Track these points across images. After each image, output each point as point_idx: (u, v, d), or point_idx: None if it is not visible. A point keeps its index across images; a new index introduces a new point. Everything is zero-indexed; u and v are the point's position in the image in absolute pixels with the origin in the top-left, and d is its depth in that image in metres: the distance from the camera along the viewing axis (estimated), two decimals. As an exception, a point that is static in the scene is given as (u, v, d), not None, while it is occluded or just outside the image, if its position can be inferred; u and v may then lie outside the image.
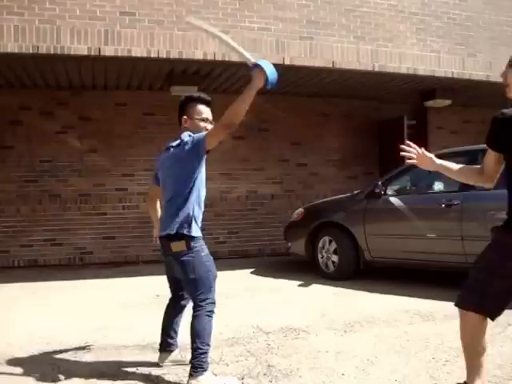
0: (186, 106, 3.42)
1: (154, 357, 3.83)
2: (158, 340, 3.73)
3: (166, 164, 3.39)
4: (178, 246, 3.26)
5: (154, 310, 5.36)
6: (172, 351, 3.69)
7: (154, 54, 6.30)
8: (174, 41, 6.34)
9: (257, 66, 3.04)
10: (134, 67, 7.07)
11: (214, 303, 3.39)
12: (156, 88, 8.32)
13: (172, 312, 3.69)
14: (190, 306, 3.49)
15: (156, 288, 6.18)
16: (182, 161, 3.25)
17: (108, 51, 6.23)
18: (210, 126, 3.38)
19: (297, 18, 6.93)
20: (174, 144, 3.36)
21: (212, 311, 3.35)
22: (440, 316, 4.87)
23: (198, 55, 6.45)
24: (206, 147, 3.19)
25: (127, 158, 8.62)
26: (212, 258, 3.44)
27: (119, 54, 6.28)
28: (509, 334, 4.28)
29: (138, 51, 6.30)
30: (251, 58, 3.10)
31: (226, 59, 6.55)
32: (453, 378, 3.37)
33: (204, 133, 3.25)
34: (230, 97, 9.53)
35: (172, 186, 3.32)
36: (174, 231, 3.24)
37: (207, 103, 3.43)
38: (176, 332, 3.70)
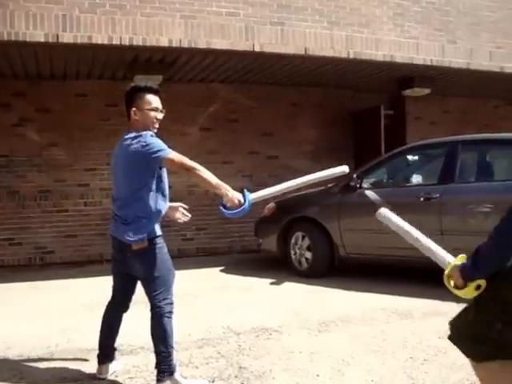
0: (133, 96, 3.36)
1: (121, 359, 3.86)
2: (126, 342, 3.73)
3: (121, 159, 3.34)
4: (139, 244, 3.28)
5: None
6: (113, 360, 3.68)
7: (116, 41, 6.25)
8: (137, 27, 6.31)
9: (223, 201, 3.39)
10: (95, 55, 7.01)
11: (172, 303, 3.44)
12: (119, 77, 8.26)
13: (114, 318, 3.66)
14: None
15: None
16: (138, 160, 3.22)
17: (67, 38, 6.16)
18: (160, 115, 3.40)
19: (267, 3, 6.96)
20: (133, 140, 3.27)
21: (171, 312, 3.40)
22: (418, 314, 4.99)
23: (163, 42, 6.43)
24: (161, 165, 3.28)
25: (89, 151, 8.55)
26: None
27: (79, 41, 6.22)
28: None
29: (99, 38, 6.24)
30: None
31: (193, 46, 6.55)
32: (431, 377, 3.49)
33: (167, 153, 3.24)
34: (196, 86, 9.61)
35: (127, 183, 3.31)
36: (134, 238, 3.26)
37: (156, 92, 3.40)
38: (115, 339, 3.68)
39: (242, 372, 3.64)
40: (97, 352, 3.65)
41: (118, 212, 3.39)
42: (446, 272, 2.19)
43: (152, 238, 3.30)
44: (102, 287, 6.56)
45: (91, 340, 4.37)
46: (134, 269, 3.40)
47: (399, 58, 7.81)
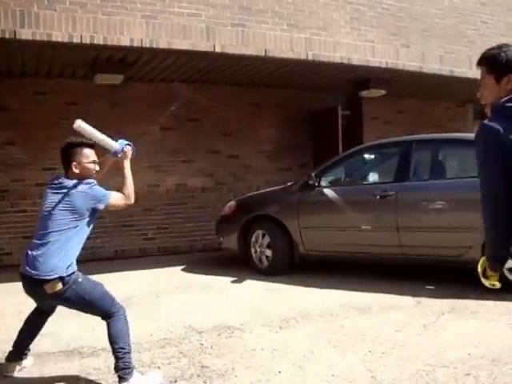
0: (71, 152, 3.50)
1: (82, 363, 3.76)
2: (86, 344, 3.65)
3: (53, 198, 3.39)
4: (53, 287, 3.22)
5: (80, 313, 5.25)
6: (24, 359, 3.69)
7: (76, 40, 6.08)
8: (98, 25, 6.15)
9: (118, 151, 3.61)
10: (55, 53, 6.82)
11: (121, 307, 3.42)
12: (79, 76, 8.07)
13: (38, 320, 3.68)
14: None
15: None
16: (73, 204, 3.33)
17: (25, 35, 5.96)
18: (97, 167, 3.56)
19: (228, 4, 6.89)
20: (70, 184, 3.40)
21: (124, 314, 3.41)
22: (376, 308, 5.02)
23: (124, 41, 6.28)
24: (101, 209, 3.44)
25: (48, 150, 8.30)
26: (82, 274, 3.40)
27: (37, 38, 6.03)
28: (442, 323, 4.47)
29: (59, 36, 6.06)
30: (113, 144, 3.62)
31: (154, 46, 6.43)
32: (389, 369, 3.51)
33: (107, 197, 3.44)
34: (157, 86, 9.47)
35: (54, 222, 3.30)
36: (52, 277, 3.19)
37: (91, 146, 3.57)
38: (33, 340, 3.70)
39: (205, 371, 3.59)
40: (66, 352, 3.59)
41: (36, 249, 3.34)
42: (480, 263, 2.41)
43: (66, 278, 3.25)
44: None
45: (50, 343, 4.26)
46: (57, 304, 3.56)
47: (356, 61, 7.85)
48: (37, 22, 6.00)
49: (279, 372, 3.54)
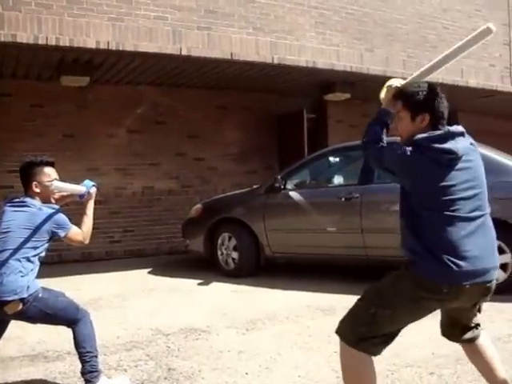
0: (31, 171, 3.41)
1: (47, 367, 3.72)
2: (51, 348, 3.61)
3: (13, 216, 3.28)
4: (13, 308, 3.11)
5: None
6: None
7: (41, 41, 6.01)
8: (64, 27, 6.10)
9: (84, 194, 3.51)
10: (20, 54, 6.72)
11: (86, 312, 3.38)
12: (45, 78, 7.96)
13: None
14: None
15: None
16: (36, 224, 3.24)
17: (-12, 35, 5.89)
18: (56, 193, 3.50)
19: (194, 8, 6.91)
20: (34, 203, 3.32)
21: (89, 318, 3.36)
22: (341, 310, 5.01)
23: (90, 44, 6.25)
24: (60, 236, 3.34)
25: (13, 152, 8.16)
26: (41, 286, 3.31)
27: (2, 39, 5.94)
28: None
29: (24, 37, 5.99)
30: (80, 188, 3.52)
31: (121, 48, 6.40)
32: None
33: (69, 228, 3.35)
34: (123, 88, 9.40)
35: (13, 241, 3.20)
36: (11, 298, 3.08)
37: (52, 164, 3.49)
38: None
39: (172, 373, 3.59)
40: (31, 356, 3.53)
41: None
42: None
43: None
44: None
45: (14, 347, 4.20)
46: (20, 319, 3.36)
47: (321, 64, 7.95)
48: (1, 22, 5.94)
49: (246, 374, 3.56)
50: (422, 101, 2.47)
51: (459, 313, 2.61)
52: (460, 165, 2.37)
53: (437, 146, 2.36)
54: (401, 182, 2.54)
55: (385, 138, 2.63)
